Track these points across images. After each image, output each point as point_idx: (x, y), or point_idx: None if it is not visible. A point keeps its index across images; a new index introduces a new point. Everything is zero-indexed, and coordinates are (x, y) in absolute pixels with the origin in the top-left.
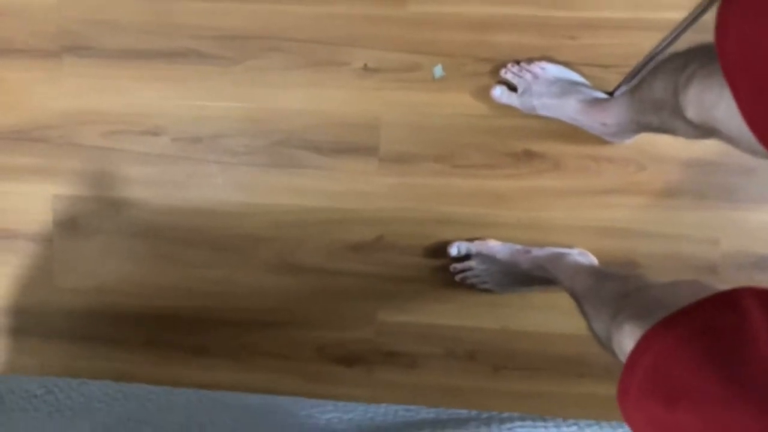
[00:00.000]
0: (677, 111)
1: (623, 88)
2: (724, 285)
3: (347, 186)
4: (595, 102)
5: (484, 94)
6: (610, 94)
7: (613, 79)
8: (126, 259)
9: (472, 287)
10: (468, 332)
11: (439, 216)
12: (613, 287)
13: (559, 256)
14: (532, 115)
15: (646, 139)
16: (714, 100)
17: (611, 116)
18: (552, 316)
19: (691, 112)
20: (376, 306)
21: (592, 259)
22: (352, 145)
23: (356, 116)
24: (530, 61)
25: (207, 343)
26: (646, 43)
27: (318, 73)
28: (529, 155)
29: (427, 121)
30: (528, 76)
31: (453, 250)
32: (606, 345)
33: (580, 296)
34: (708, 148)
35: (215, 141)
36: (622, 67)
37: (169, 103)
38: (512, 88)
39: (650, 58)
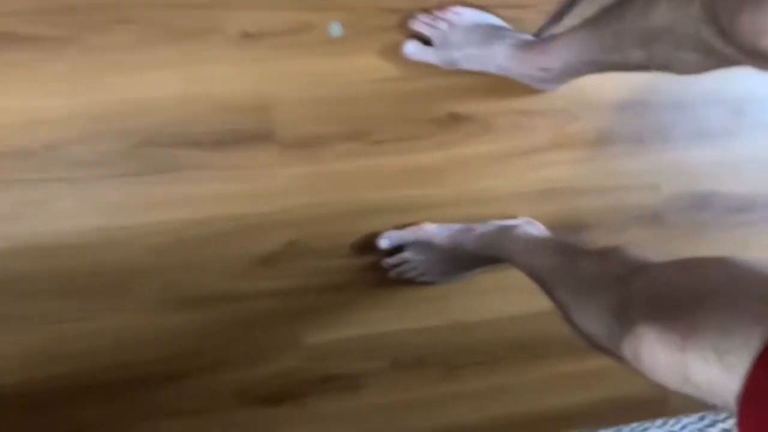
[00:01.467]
0: (688, 39)
1: (551, 29)
2: (685, 236)
3: (242, 185)
4: (531, 45)
5: (394, 52)
6: (536, 36)
7: (534, 19)
8: None
9: (410, 282)
10: (413, 335)
11: (360, 206)
12: (595, 268)
13: (507, 230)
14: (453, 71)
15: (574, 85)
16: None
17: (556, 59)
18: (502, 299)
19: (746, 36)
20: (299, 327)
21: (541, 228)
22: (241, 133)
23: (241, 96)
24: (441, 7)
25: (88, 419)
26: None
27: (184, 47)
28: (455, 119)
29: (330, 93)
30: (443, 25)
31: (383, 243)
32: (602, 344)
33: (548, 279)
34: (637, 86)
35: (54, 152)
36: (543, 5)
37: None
38: (426, 41)
39: None
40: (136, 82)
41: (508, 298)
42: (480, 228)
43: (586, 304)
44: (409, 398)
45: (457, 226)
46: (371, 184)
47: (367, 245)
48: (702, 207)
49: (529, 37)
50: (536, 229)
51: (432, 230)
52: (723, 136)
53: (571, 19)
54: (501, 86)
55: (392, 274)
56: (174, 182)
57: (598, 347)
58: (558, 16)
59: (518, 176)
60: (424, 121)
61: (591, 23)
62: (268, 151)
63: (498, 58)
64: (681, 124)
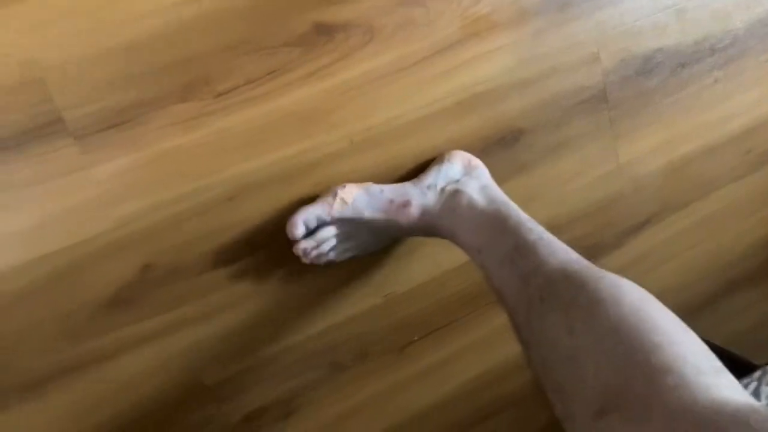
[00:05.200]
0: None
1: None
2: (614, 108)
3: (43, 208)
4: None
5: None
6: None
7: None
8: None
9: (329, 264)
10: (346, 327)
11: (226, 187)
12: (565, 352)
13: (450, 203)
14: None
15: None
16: None
17: None
18: (434, 253)
19: None
20: (196, 367)
21: (482, 174)
22: (6, 131)
23: None
24: None
25: None
26: None
27: None
28: (324, 32)
29: (125, 36)
30: None
31: (298, 231)
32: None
33: (512, 318)
34: None
35: None
36: None
37: None
38: None
39: None
40: None
41: (439, 252)
42: (417, 200)
43: (554, 395)
44: (361, 399)
45: (388, 194)
46: (232, 153)
47: (251, 239)
48: (647, 72)
49: None
50: (479, 180)
51: (357, 200)
52: None
53: None
54: None
55: (311, 258)
56: None
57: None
58: None
59: (427, 90)
60: (283, 43)
61: None
62: (60, 148)
63: None
64: None
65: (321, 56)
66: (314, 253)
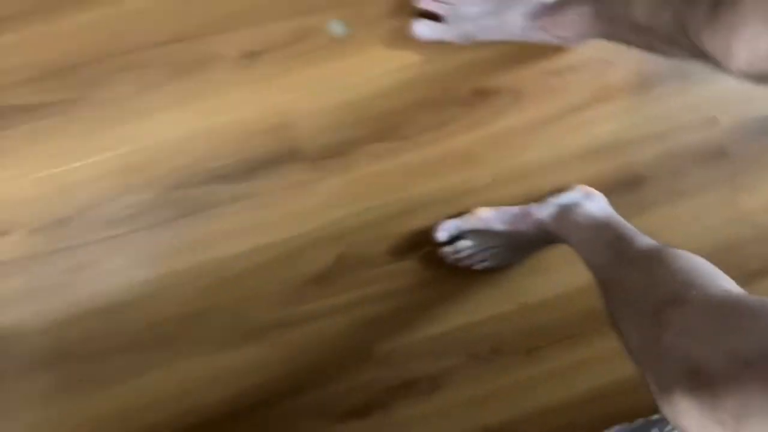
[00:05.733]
0: (671, 40)
1: None
2: (735, 163)
3: (280, 209)
4: (545, 12)
5: (403, 37)
6: None
7: None
8: (29, 402)
9: (468, 269)
10: (484, 326)
11: (403, 205)
12: (638, 282)
13: (565, 214)
14: (470, 45)
15: None
16: None
17: (569, 29)
18: (567, 272)
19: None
20: (369, 338)
21: (600, 200)
22: (267, 156)
23: (258, 119)
24: None
25: None
26: None
27: (189, 82)
28: (482, 95)
29: (347, 95)
30: None
31: (441, 235)
32: (638, 363)
33: (598, 278)
34: None
35: (87, 215)
36: None
37: (4, 186)
38: (436, 18)
39: None
40: (148, 128)
41: (573, 270)
42: (537, 212)
43: (625, 321)
44: (492, 389)
45: (513, 210)
46: (410, 180)
47: (417, 243)
48: (766, 131)
49: None
50: (596, 203)
51: (488, 216)
52: None
53: None
54: (524, 51)
55: (450, 260)
56: (210, 220)
57: (635, 362)
58: None
59: (560, 141)
60: (451, 103)
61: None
62: (298, 168)
63: (514, 29)
64: None
65: (479, 112)
66: (452, 257)
